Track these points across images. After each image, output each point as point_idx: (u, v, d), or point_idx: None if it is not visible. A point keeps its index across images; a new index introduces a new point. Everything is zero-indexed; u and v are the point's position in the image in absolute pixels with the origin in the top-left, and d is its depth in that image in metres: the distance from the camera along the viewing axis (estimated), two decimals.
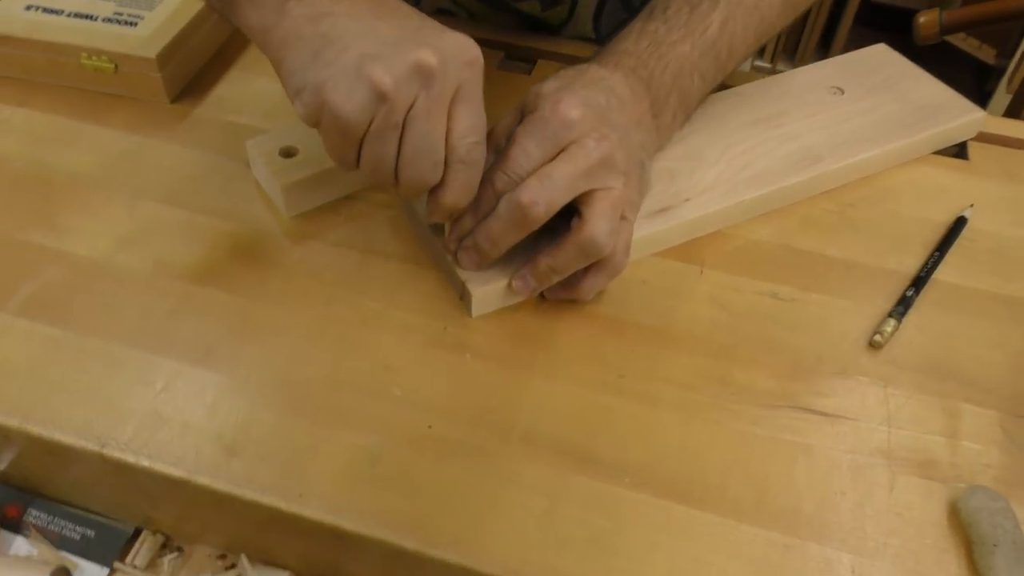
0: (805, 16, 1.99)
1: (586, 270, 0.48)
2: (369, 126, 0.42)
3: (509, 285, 0.48)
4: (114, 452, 0.42)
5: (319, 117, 0.42)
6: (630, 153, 0.48)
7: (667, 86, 0.52)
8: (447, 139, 0.43)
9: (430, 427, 0.44)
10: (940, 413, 0.45)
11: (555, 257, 0.47)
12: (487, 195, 0.46)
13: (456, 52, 0.41)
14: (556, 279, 0.48)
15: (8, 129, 0.60)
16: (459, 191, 0.45)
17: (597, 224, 0.45)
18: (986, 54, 1.96)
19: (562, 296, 0.49)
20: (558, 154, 0.45)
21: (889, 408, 0.46)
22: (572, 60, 0.68)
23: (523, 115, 0.47)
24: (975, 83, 1.99)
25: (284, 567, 0.46)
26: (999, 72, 1.85)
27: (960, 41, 2.02)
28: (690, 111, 0.55)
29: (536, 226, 0.45)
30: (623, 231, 0.47)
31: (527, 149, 0.45)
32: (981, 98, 1.86)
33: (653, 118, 0.51)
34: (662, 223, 0.52)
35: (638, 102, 0.50)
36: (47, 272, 0.50)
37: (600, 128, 0.46)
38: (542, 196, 0.44)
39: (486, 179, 0.46)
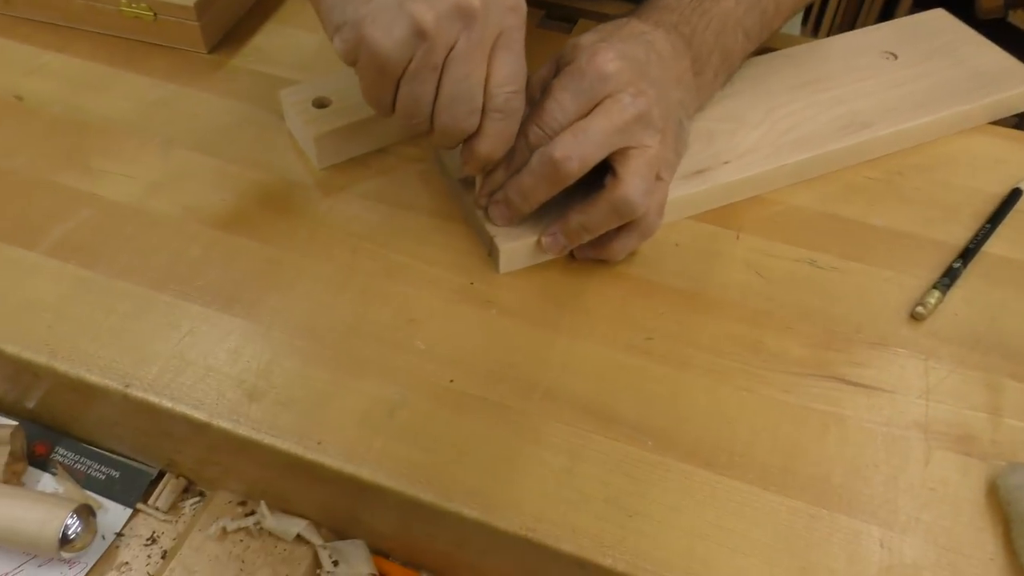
0: None
1: (618, 230, 0.46)
2: (408, 66, 0.41)
3: (538, 242, 0.47)
4: (137, 392, 0.43)
5: (357, 54, 0.42)
6: (668, 111, 0.46)
7: (709, 44, 0.50)
8: (486, 86, 0.42)
9: (452, 381, 0.43)
10: (982, 388, 0.43)
11: (587, 215, 0.45)
12: (520, 148, 0.45)
13: None
14: (587, 238, 0.46)
15: (46, 73, 0.60)
16: (495, 141, 0.44)
17: (632, 183, 0.44)
18: None
19: (592, 255, 0.48)
20: (593, 108, 0.44)
21: (929, 381, 0.44)
22: (613, 19, 0.66)
23: (559, 67, 0.46)
24: None
25: (302, 515, 0.45)
26: None
27: None
28: (733, 69, 0.53)
29: (569, 182, 0.44)
30: (658, 191, 0.46)
31: (562, 101, 0.44)
32: None
33: (694, 76, 0.50)
34: (698, 185, 0.50)
35: (679, 59, 0.48)
36: (79, 214, 0.51)
37: (637, 83, 0.44)
38: (576, 151, 0.43)
39: (522, 130, 0.45)
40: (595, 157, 0.44)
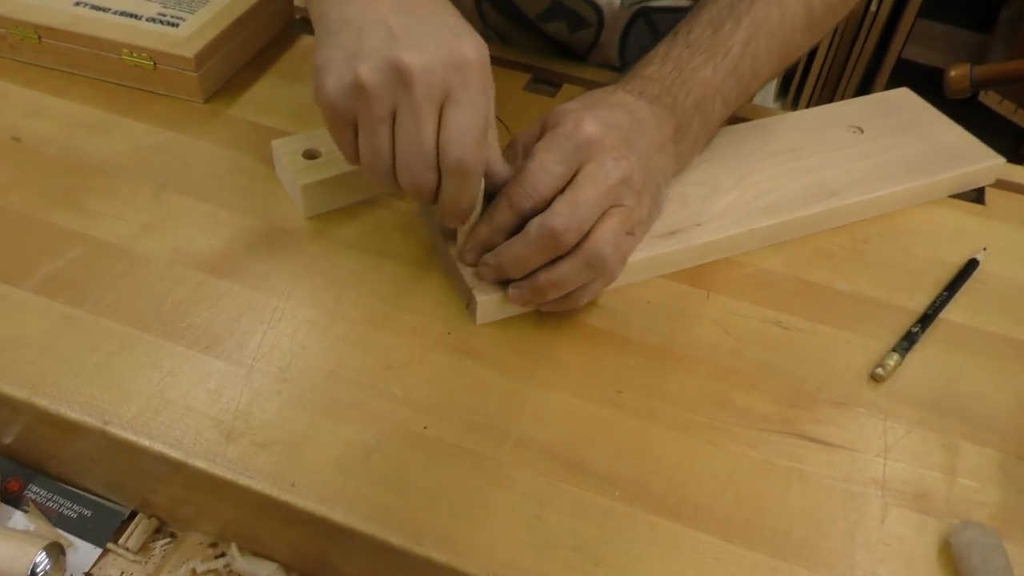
0: (840, 71, 2.01)
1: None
2: (357, 117, 0.43)
3: (506, 295, 0.49)
4: (116, 430, 0.43)
5: (317, 97, 0.44)
6: (648, 175, 0.48)
7: (690, 112, 0.52)
8: (438, 143, 0.43)
9: (426, 427, 0.44)
10: (939, 449, 0.45)
11: (557, 271, 0.46)
12: (502, 207, 0.47)
13: (445, 55, 0.42)
14: (556, 294, 0.47)
15: (46, 116, 0.62)
16: (453, 197, 0.45)
17: (604, 239, 0.46)
18: (1022, 118, 1.95)
19: (556, 308, 0.49)
20: (576, 171, 0.46)
21: (887, 440, 0.45)
22: (596, 85, 0.69)
23: (544, 129, 0.48)
24: (1011, 146, 1.99)
25: (273, 559, 0.46)
26: None
27: (996, 104, 2.02)
28: (711, 135, 0.56)
29: (565, 251, 0.45)
30: (626, 244, 0.48)
31: (547, 164, 0.46)
32: (1016, 162, 1.85)
33: (675, 144, 0.52)
34: (671, 245, 0.53)
35: (661, 128, 0.51)
36: (69, 252, 0.52)
37: (620, 148, 0.46)
38: (573, 223, 0.45)
39: (505, 191, 0.47)
40: (589, 225, 0.45)
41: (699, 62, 0.52)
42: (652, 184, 0.49)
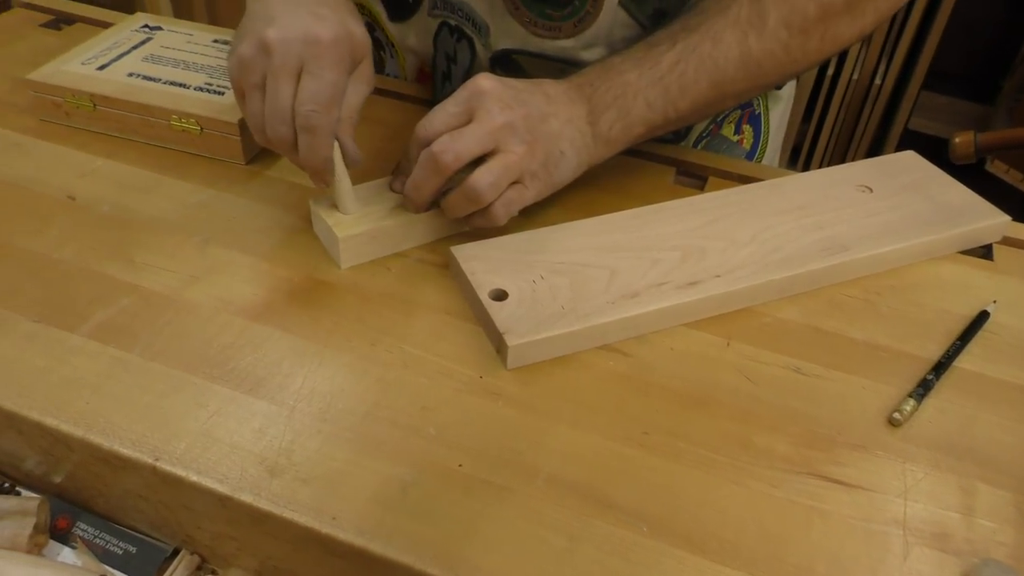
0: (848, 142, 2.07)
1: (472, 212, 0.57)
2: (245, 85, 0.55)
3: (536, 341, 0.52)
4: (166, 466, 0.45)
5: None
6: (540, 132, 0.55)
7: (606, 102, 0.59)
8: (294, 104, 0.53)
9: (460, 465, 0.46)
10: (956, 490, 0.46)
11: (446, 200, 0.57)
12: (411, 142, 0.56)
13: (300, 32, 0.52)
14: (451, 217, 0.58)
15: (98, 177, 0.66)
16: (304, 152, 0.54)
17: (480, 174, 0.54)
18: None
19: (474, 224, 0.58)
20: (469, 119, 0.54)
21: (906, 482, 0.47)
22: None
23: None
24: (1019, 214, 2.01)
25: None
26: None
27: (1003, 173, 2.05)
28: (632, 130, 0.60)
29: (448, 173, 0.54)
30: (513, 192, 0.56)
31: (445, 106, 0.55)
32: None
33: (589, 125, 0.58)
34: (693, 295, 0.55)
35: (571, 104, 0.58)
36: (120, 302, 0.55)
37: (508, 100, 0.54)
38: (451, 147, 0.53)
39: (413, 136, 0.56)
40: (468, 153, 0.53)
41: (627, 67, 0.59)
42: (546, 142, 0.56)
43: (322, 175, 0.56)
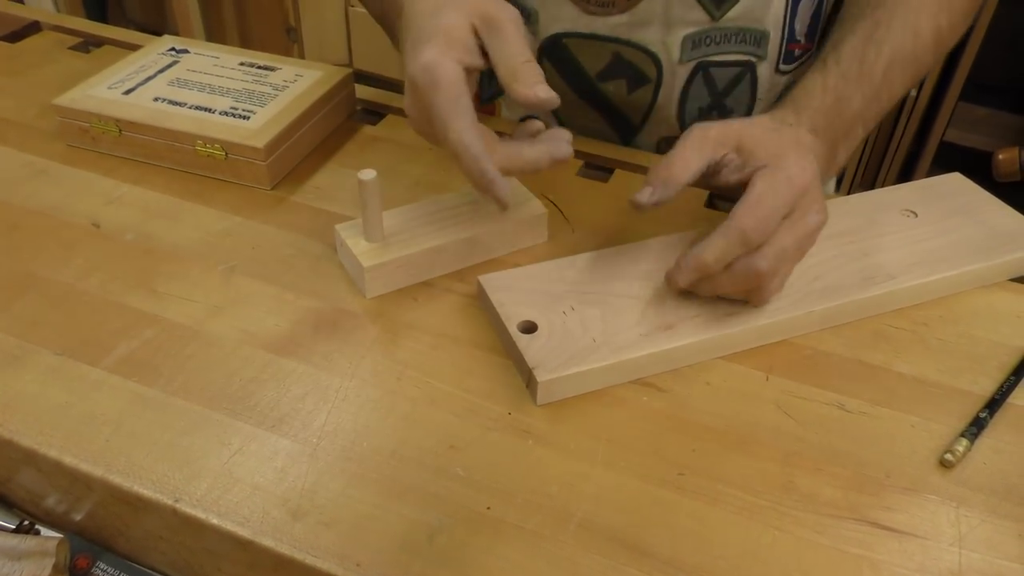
0: (882, 155, 2.02)
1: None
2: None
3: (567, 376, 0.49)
4: (186, 508, 0.44)
5: None
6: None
7: (840, 137, 0.58)
8: None
9: (489, 508, 0.44)
10: (1016, 539, 0.44)
11: (717, 283, 0.53)
12: (734, 238, 0.50)
13: (427, 79, 0.50)
14: (704, 279, 0.53)
15: (123, 203, 0.65)
16: (464, 170, 0.51)
17: (775, 285, 0.53)
18: None
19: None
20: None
21: (960, 529, 0.44)
22: (645, 170, 0.70)
23: (741, 154, 0.54)
24: None
25: None
26: None
27: None
28: (852, 151, 0.60)
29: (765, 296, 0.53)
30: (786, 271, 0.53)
31: (779, 210, 0.50)
32: None
33: (826, 162, 0.58)
34: (731, 327, 0.53)
35: (819, 158, 0.56)
36: (143, 334, 0.54)
37: (819, 198, 0.53)
38: (775, 268, 0.51)
39: (738, 225, 0.50)
40: (790, 273, 0.53)
41: (851, 93, 0.58)
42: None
43: (483, 190, 0.51)
